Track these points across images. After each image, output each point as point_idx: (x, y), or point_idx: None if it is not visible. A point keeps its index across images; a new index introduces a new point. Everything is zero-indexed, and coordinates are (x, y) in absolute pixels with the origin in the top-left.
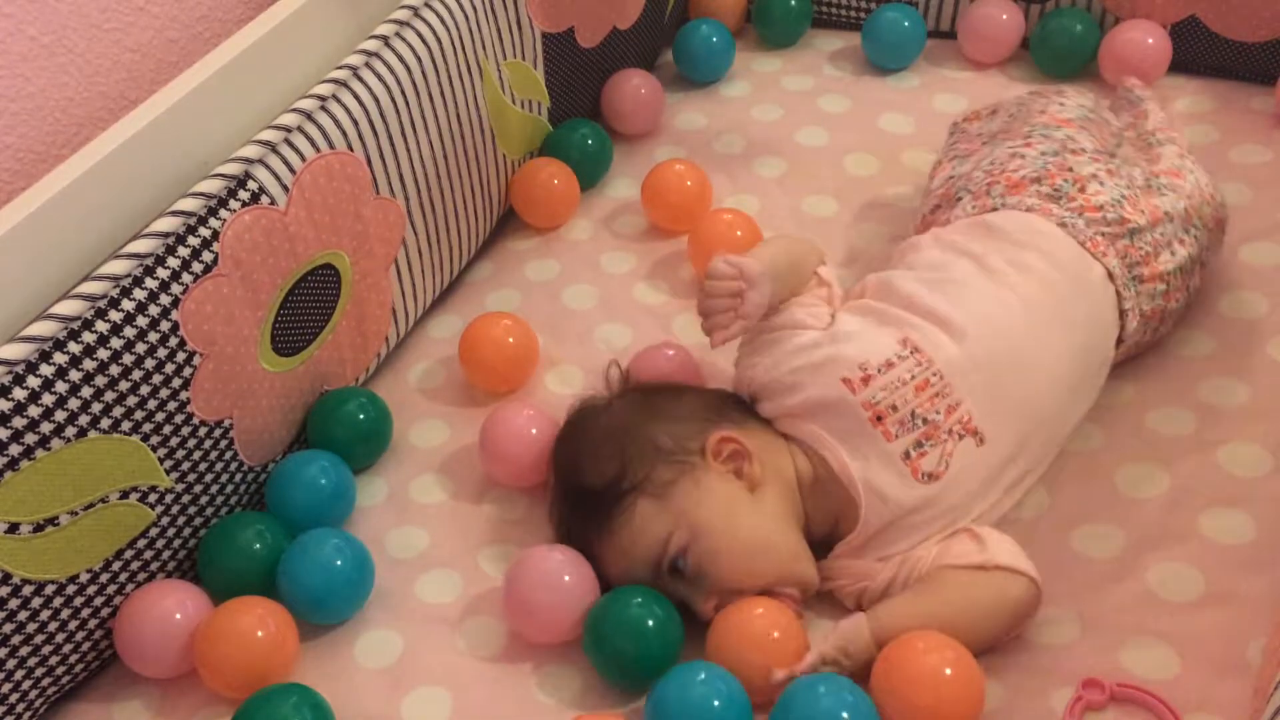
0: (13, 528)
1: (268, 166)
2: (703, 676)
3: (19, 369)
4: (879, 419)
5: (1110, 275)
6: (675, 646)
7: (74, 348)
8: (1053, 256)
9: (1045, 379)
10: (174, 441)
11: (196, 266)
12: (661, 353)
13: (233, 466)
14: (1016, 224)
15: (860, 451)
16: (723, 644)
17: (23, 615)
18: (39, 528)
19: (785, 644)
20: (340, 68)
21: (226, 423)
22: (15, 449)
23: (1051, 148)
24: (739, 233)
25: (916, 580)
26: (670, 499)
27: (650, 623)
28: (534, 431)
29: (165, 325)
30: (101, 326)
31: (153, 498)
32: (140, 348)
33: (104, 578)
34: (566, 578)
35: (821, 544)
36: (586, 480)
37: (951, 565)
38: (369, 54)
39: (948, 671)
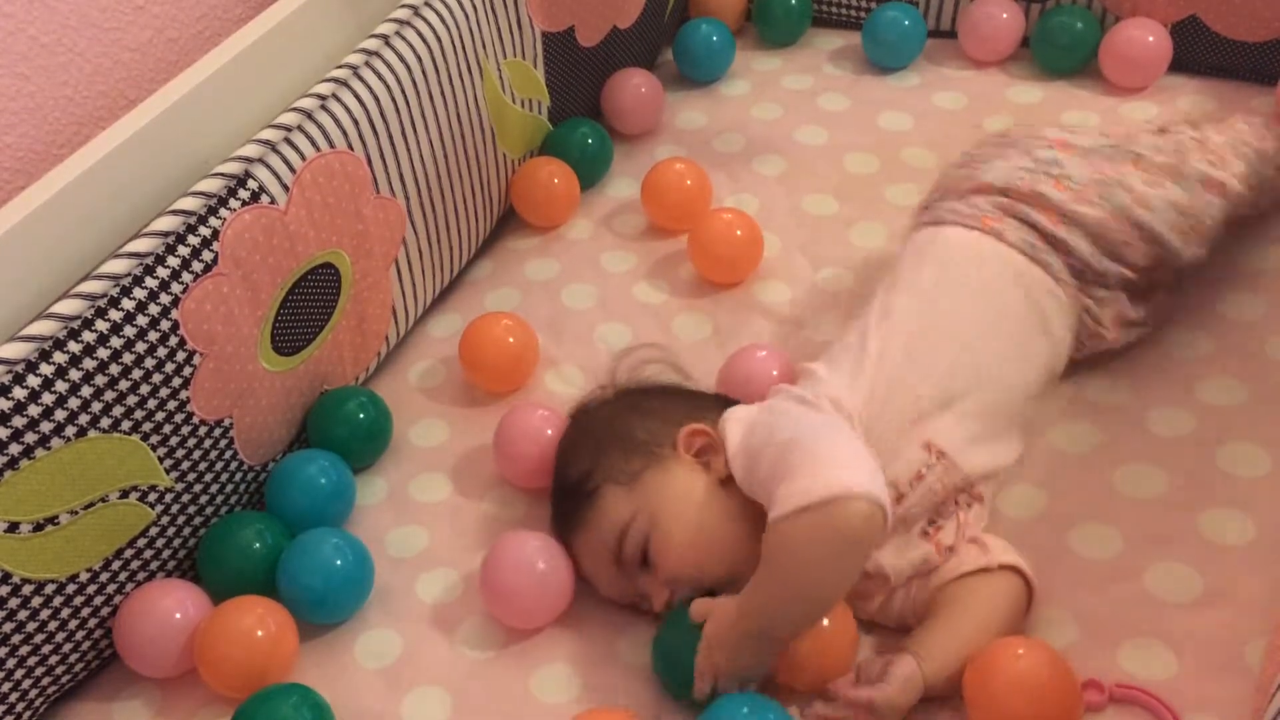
0: (12, 527)
1: (268, 165)
2: (747, 711)
3: (19, 368)
4: (904, 521)
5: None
6: None
7: (74, 347)
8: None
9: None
10: (174, 441)
11: (196, 266)
12: (754, 354)
13: (232, 466)
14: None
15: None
16: None
17: (23, 615)
18: (39, 527)
19: (836, 634)
20: (340, 67)
21: (226, 422)
22: (15, 448)
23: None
24: (739, 232)
25: (933, 599)
26: (637, 486)
27: None
28: (549, 432)
29: (165, 324)
30: (101, 325)
31: (152, 497)
32: (140, 347)
33: (104, 577)
34: (541, 564)
35: None
36: (566, 477)
37: (963, 575)
38: (369, 53)
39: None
